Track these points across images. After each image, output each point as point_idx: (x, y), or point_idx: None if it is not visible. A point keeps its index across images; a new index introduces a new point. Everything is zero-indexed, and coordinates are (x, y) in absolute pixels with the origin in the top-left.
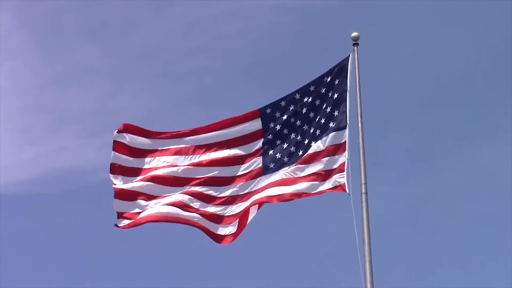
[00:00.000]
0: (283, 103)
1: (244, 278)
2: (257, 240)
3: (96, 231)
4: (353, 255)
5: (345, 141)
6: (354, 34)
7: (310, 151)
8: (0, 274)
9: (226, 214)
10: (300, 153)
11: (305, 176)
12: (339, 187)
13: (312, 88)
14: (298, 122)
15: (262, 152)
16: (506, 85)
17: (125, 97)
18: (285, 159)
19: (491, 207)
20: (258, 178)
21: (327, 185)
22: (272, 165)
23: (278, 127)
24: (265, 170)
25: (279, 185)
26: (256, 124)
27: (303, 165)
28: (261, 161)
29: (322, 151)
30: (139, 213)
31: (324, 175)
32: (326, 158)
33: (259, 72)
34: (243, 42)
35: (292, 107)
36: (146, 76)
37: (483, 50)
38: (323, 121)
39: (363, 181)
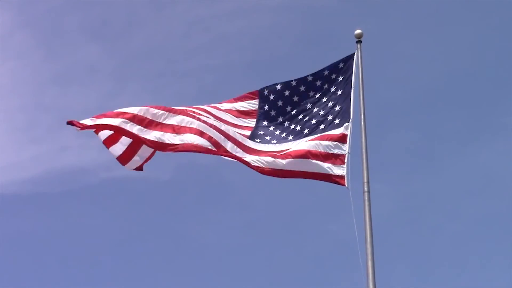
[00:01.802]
0: (278, 86)
1: (245, 278)
2: (258, 240)
3: (97, 230)
4: (355, 254)
5: (347, 134)
6: (358, 31)
7: (310, 143)
8: (0, 274)
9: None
10: (290, 137)
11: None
12: (338, 178)
13: (310, 78)
14: (294, 112)
15: (253, 128)
16: (508, 84)
17: (127, 96)
18: (274, 141)
19: (493, 206)
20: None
21: (325, 169)
22: (258, 139)
23: (272, 112)
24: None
25: (273, 157)
26: (253, 105)
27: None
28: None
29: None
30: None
31: (324, 156)
32: (327, 142)
33: (260, 71)
34: (244, 41)
35: (287, 93)
36: (147, 75)
37: (486, 49)
38: (329, 117)
39: (365, 180)
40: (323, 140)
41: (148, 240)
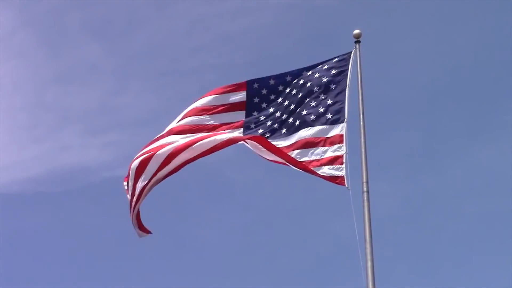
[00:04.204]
0: (272, 81)
1: (246, 278)
2: (259, 240)
3: (98, 229)
4: (355, 254)
5: (343, 134)
6: (356, 31)
7: (303, 135)
8: (1, 274)
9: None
10: (284, 131)
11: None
12: (338, 179)
13: (305, 72)
14: (286, 102)
15: (243, 124)
16: (508, 82)
17: (128, 95)
18: (267, 134)
19: (494, 205)
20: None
21: (324, 170)
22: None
23: (263, 104)
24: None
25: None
26: (241, 96)
27: (297, 150)
28: (242, 132)
29: (319, 140)
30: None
31: (320, 161)
32: (323, 148)
33: (262, 70)
34: (246, 40)
35: (281, 87)
36: (149, 74)
37: (486, 48)
38: (320, 109)
39: (364, 180)
40: (320, 146)
41: (149, 239)
